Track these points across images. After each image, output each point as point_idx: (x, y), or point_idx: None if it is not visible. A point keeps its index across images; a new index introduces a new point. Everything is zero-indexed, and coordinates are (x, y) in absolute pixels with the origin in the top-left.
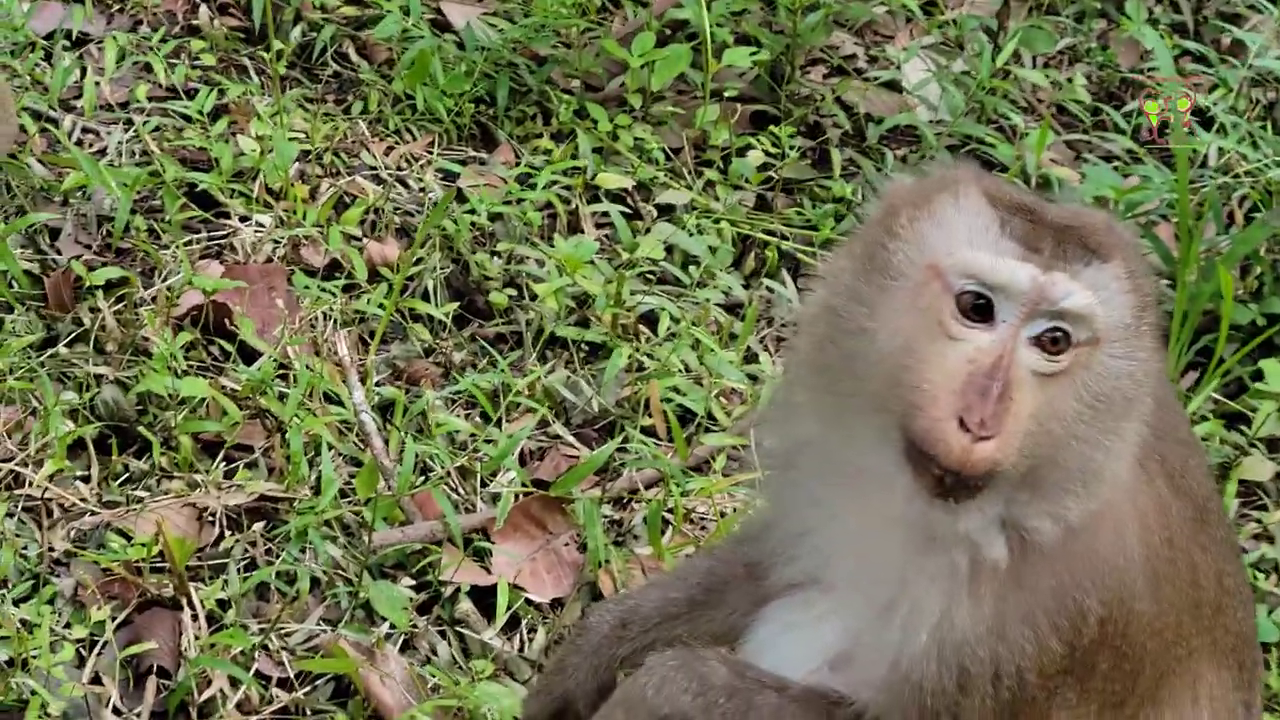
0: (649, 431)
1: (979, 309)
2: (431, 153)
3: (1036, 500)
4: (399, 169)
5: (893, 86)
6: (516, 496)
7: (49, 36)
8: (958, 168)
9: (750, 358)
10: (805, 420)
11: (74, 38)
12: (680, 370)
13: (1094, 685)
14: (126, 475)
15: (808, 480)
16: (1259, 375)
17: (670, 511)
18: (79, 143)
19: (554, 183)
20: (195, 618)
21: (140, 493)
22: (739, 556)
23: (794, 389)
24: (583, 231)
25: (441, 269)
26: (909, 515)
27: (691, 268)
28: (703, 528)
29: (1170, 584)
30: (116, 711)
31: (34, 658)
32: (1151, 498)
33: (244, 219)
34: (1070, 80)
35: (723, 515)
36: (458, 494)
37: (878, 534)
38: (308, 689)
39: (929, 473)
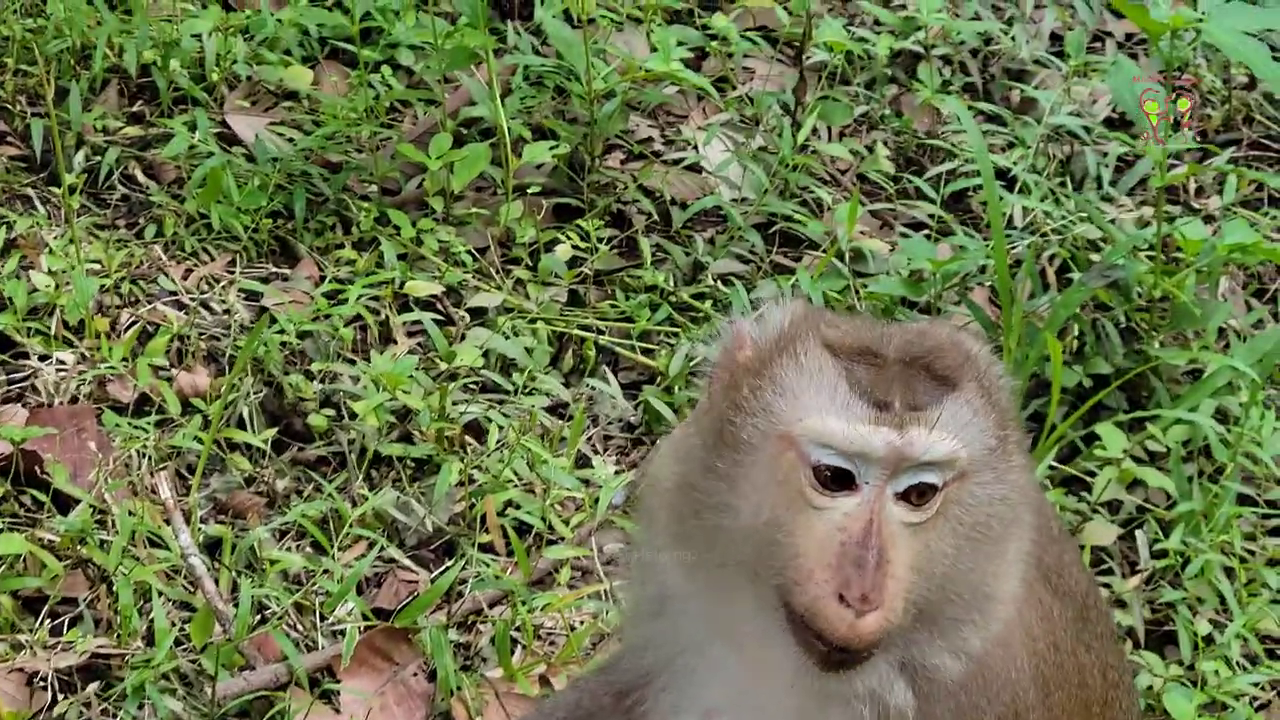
0: (487, 548)
1: (839, 478)
2: (233, 272)
3: (936, 638)
4: (200, 292)
5: (693, 168)
6: (359, 630)
7: None
8: (790, 313)
9: (582, 461)
10: (676, 584)
11: None
12: (513, 481)
13: None
14: None
15: (683, 630)
16: (1090, 438)
17: (518, 629)
18: None
19: (362, 295)
20: None
21: None
22: (605, 687)
23: (659, 554)
24: (395, 342)
25: (255, 394)
26: (801, 677)
27: (512, 373)
28: (552, 643)
29: (1060, 689)
30: None
31: None
32: (1033, 605)
33: (44, 358)
34: (871, 149)
35: (572, 629)
36: (297, 631)
37: (768, 684)
38: None
39: (815, 647)
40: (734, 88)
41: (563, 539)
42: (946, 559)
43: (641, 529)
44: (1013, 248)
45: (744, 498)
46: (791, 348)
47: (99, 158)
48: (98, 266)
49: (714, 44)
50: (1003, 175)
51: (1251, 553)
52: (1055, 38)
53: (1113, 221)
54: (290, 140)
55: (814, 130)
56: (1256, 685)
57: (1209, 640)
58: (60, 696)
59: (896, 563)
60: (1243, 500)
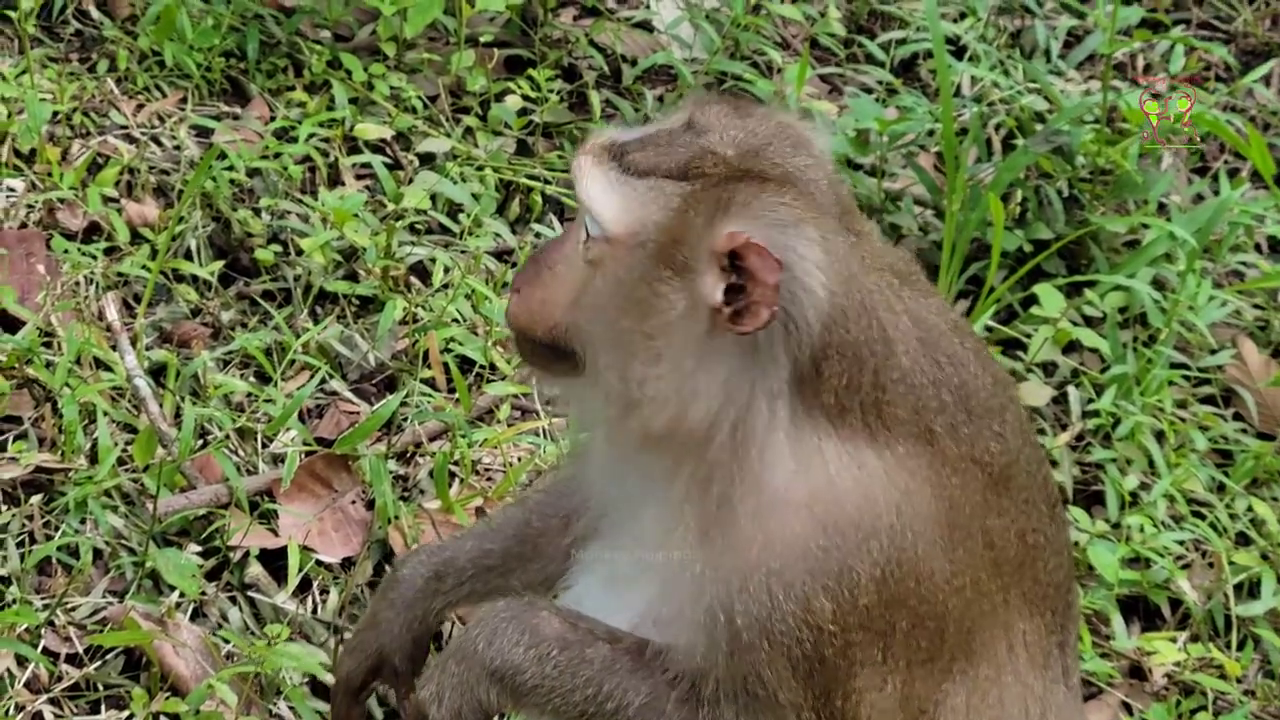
0: (429, 384)
1: None
2: (184, 109)
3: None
4: (151, 127)
5: (645, 26)
6: (300, 456)
7: None
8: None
9: None
10: None
11: None
12: (456, 320)
13: (897, 643)
14: None
15: (594, 451)
16: (1028, 301)
17: (457, 464)
18: None
19: (312, 135)
20: None
21: None
22: (554, 508)
23: None
24: (344, 184)
25: (203, 228)
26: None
27: (460, 216)
28: (490, 479)
29: (963, 548)
30: None
31: None
32: (921, 469)
33: None
34: (824, 14)
35: (510, 465)
36: (239, 456)
37: (636, 496)
38: (98, 664)
39: None
40: None
41: (504, 377)
42: (592, 313)
43: None
44: (960, 115)
45: None
46: None
47: None
48: (50, 98)
49: None
50: (953, 44)
51: (1182, 419)
52: None
53: (1061, 93)
54: None
55: None
56: (1180, 544)
57: (1135, 499)
58: (3, 508)
59: (553, 274)
60: (1175, 367)
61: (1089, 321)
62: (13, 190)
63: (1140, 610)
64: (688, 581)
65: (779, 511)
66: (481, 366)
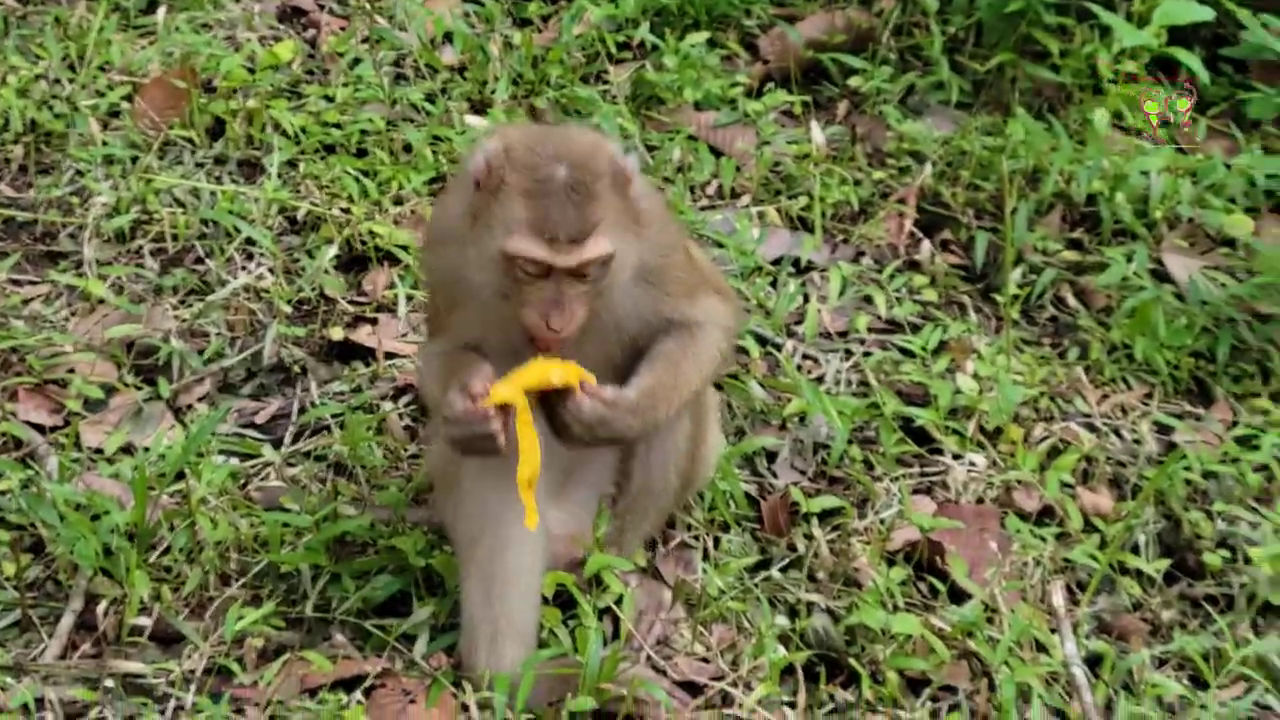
0: None
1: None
2: (1148, 404)
3: None
4: (1114, 418)
5: None
6: None
7: (776, 262)
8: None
9: None
10: None
11: (801, 265)
12: None
13: None
14: (832, 706)
15: None
16: None
17: None
18: (799, 368)
19: (1276, 444)
20: None
21: None
22: None
23: None
24: None
25: (1154, 524)
26: None
27: None
28: None
29: None
30: None
31: None
32: None
33: (957, 457)
34: None
35: None
36: None
37: None
38: None
39: None
40: None
41: None
42: None
43: None
44: None
45: None
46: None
47: (1034, 276)
48: (1020, 379)
49: None
50: None
51: None
52: None
53: None
54: (1222, 286)
55: None
56: None
57: None
58: None
59: None
60: None
61: None
62: (974, 465)
63: None
64: None
65: None
66: None
